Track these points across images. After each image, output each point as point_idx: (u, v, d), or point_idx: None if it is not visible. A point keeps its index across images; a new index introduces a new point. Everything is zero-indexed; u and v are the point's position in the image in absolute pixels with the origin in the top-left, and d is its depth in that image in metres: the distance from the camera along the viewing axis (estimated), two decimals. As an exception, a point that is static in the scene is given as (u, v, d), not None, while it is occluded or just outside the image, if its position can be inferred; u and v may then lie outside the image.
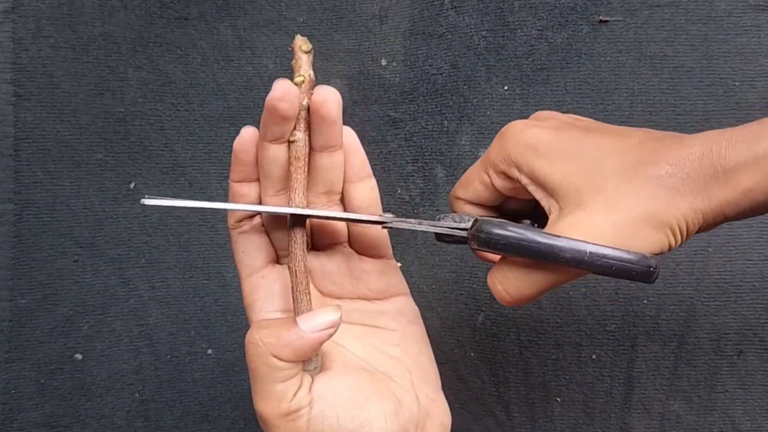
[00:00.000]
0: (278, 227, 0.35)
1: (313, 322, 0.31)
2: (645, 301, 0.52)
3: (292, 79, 0.32)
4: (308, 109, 0.32)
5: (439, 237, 0.35)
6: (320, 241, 0.36)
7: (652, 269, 0.30)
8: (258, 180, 0.34)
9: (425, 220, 0.35)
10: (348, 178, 0.35)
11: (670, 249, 0.30)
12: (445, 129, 0.54)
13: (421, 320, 0.38)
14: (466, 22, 0.54)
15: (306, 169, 0.33)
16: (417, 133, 0.55)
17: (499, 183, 0.34)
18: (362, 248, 0.36)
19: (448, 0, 0.54)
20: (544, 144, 0.32)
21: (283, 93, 0.31)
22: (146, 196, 0.32)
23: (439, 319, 0.54)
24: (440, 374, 0.37)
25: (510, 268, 0.32)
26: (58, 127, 0.56)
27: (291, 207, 0.33)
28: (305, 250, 0.33)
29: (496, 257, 0.33)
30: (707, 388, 0.52)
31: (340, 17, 0.55)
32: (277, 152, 0.33)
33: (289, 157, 0.33)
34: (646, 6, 0.52)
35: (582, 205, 0.30)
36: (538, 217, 0.36)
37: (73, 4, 0.56)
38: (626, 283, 0.52)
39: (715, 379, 0.52)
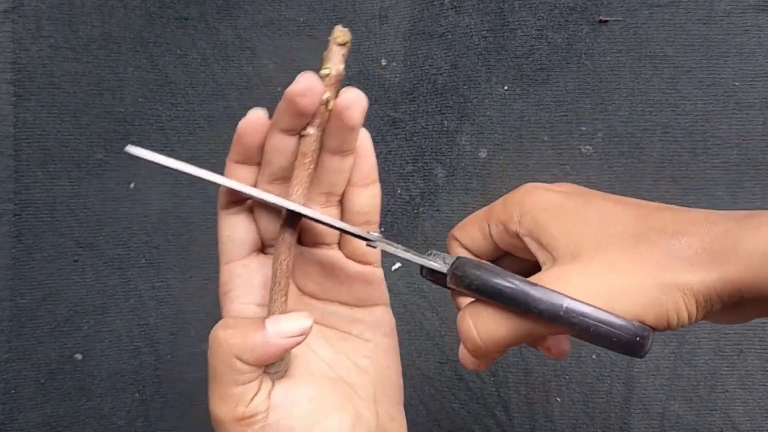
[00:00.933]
0: (268, 215, 0.33)
1: (282, 328, 0.29)
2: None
3: (318, 71, 0.29)
4: (326, 104, 0.30)
5: (423, 274, 0.34)
6: (309, 238, 0.34)
7: (639, 339, 0.26)
8: (258, 165, 0.32)
9: (411, 249, 0.33)
10: (353, 181, 0.33)
11: (669, 326, 0.27)
12: (445, 129, 0.54)
13: (395, 333, 0.36)
14: (466, 22, 0.54)
15: (312, 167, 0.31)
16: (417, 133, 0.55)
17: (496, 232, 0.33)
18: (351, 252, 0.35)
19: (448, 0, 0.54)
20: (551, 201, 0.31)
21: (305, 88, 0.29)
22: (131, 146, 0.28)
23: (439, 320, 0.54)
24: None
25: (485, 306, 0.29)
26: (58, 127, 0.56)
27: (287, 201, 0.31)
28: (292, 250, 0.31)
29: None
30: (707, 388, 0.52)
31: (340, 17, 0.55)
32: (285, 143, 0.31)
33: (297, 151, 0.31)
34: (646, 6, 0.52)
35: (578, 259, 0.28)
36: None
37: (73, 4, 0.56)
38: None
39: (715, 379, 0.52)
